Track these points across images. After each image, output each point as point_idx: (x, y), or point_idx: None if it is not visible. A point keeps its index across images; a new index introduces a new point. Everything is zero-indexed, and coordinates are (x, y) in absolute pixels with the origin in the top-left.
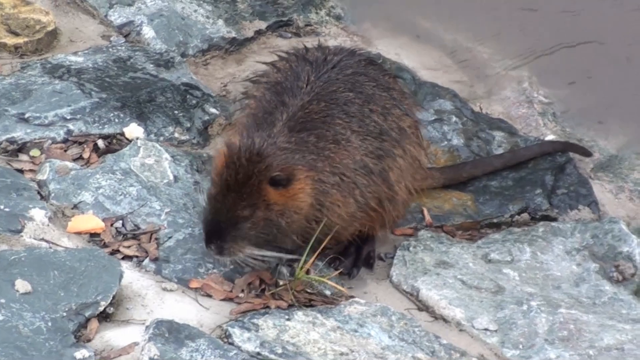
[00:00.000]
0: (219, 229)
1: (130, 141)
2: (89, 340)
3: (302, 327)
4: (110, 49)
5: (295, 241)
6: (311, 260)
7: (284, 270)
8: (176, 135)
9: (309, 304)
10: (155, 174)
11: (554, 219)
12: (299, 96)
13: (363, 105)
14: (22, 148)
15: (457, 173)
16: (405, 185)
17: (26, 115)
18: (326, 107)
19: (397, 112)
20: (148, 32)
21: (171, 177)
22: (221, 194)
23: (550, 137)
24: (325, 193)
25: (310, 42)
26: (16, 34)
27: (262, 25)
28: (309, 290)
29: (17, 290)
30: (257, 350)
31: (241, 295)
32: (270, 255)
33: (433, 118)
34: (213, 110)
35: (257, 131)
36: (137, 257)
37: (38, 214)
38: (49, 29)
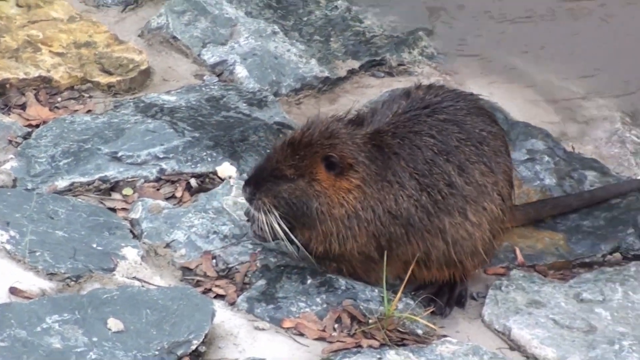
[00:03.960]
0: (260, 176)
1: (222, 180)
2: None
3: None
4: (203, 88)
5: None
6: (397, 297)
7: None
8: None
9: (401, 343)
10: None
11: None
12: (380, 123)
13: (438, 154)
14: (114, 187)
15: (537, 213)
16: (472, 243)
17: (119, 154)
18: (398, 144)
19: (482, 168)
20: (241, 71)
21: None
22: (281, 147)
23: None
24: (356, 216)
25: (404, 81)
26: (109, 73)
27: (355, 64)
28: (401, 329)
29: (110, 329)
30: None
31: (334, 334)
32: (289, 237)
33: (525, 157)
34: None
35: (348, 124)
36: (229, 296)
37: (131, 253)
38: (142, 67)
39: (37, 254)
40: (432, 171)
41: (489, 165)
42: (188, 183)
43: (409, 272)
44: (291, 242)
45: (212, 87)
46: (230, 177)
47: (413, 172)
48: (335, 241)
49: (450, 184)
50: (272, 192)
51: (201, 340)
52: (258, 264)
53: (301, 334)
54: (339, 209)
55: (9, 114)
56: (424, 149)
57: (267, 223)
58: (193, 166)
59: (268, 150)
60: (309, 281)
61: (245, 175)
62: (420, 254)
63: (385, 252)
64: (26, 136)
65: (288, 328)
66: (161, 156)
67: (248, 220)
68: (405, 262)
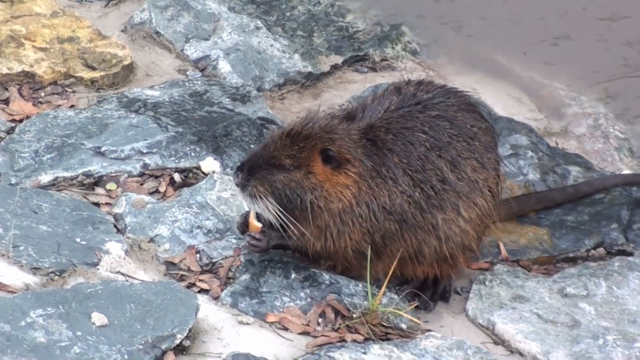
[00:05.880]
0: (256, 163)
1: (206, 175)
2: None
3: None
4: (187, 83)
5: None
6: (381, 291)
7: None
8: None
9: (385, 338)
10: (232, 207)
11: (630, 254)
12: (373, 119)
13: (431, 150)
14: (98, 181)
15: (521, 207)
16: (464, 238)
17: (102, 149)
18: (392, 140)
19: (473, 163)
20: (224, 66)
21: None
22: (279, 136)
23: (626, 171)
24: (351, 211)
25: (387, 76)
26: (92, 68)
27: (339, 59)
28: (385, 324)
29: (94, 323)
30: None
31: (318, 328)
32: (286, 222)
33: (509, 153)
34: None
35: (343, 119)
36: (213, 290)
37: (114, 247)
38: (125, 63)
39: (21, 248)
40: (425, 167)
41: (480, 160)
42: (172, 178)
43: (392, 267)
44: (285, 230)
45: (196, 82)
46: (213, 172)
47: (407, 168)
48: (330, 237)
49: (443, 180)
50: (267, 180)
51: (185, 334)
52: (242, 259)
53: (285, 329)
54: (337, 204)
55: None
56: (417, 145)
57: (260, 210)
58: (177, 161)
59: (251, 145)
60: (292, 276)
61: (229, 170)
62: (413, 250)
63: (379, 249)
64: (9, 131)
65: (272, 322)
66: (145, 151)
67: (242, 233)
68: (399, 258)
